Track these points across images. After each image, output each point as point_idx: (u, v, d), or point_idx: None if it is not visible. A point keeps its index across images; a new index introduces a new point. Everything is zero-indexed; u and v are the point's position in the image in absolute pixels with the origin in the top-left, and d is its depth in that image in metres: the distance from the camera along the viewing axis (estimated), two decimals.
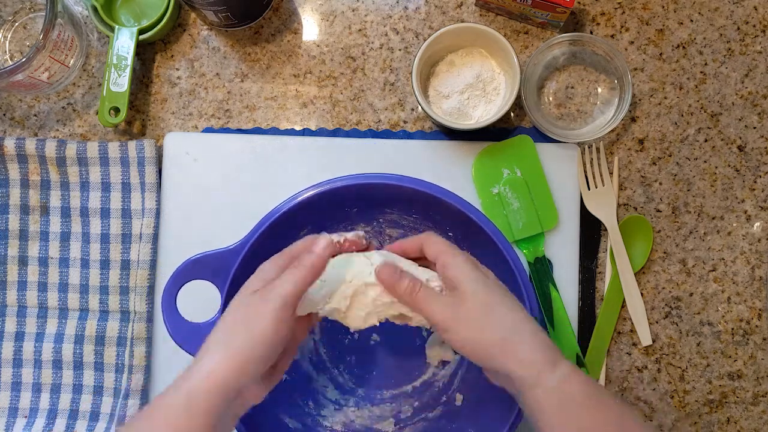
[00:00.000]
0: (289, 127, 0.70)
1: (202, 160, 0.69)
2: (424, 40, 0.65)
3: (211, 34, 0.72)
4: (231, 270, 0.56)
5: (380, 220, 0.64)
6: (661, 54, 0.70)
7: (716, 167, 0.69)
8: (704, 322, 0.68)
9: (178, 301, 0.56)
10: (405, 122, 0.70)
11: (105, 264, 0.69)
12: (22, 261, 0.69)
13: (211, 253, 0.57)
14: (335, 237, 0.53)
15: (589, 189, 0.68)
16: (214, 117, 0.71)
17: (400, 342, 0.66)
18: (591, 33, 0.70)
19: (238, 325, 0.47)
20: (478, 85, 0.67)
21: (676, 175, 0.69)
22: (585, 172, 0.68)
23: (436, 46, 0.65)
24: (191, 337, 0.56)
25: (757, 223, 0.68)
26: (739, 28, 0.69)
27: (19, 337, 0.69)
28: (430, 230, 0.63)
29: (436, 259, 0.51)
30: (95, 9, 0.68)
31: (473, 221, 0.57)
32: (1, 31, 0.72)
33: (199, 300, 0.57)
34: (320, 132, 0.70)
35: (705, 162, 0.69)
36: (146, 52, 0.71)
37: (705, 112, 0.69)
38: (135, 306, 0.67)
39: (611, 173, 0.68)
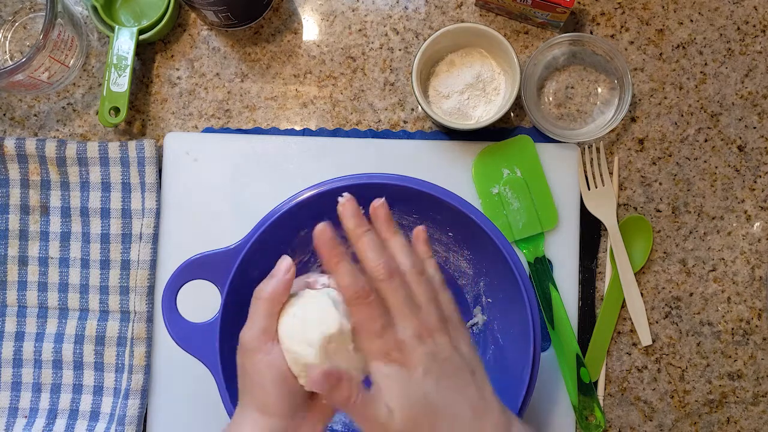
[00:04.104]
0: (289, 127, 0.70)
1: (202, 160, 0.69)
2: (424, 40, 0.65)
3: (211, 34, 0.72)
4: (231, 270, 0.56)
5: None
6: (661, 54, 0.70)
7: (716, 167, 0.69)
8: (704, 322, 0.68)
9: (178, 301, 0.56)
10: (405, 122, 0.70)
11: (105, 264, 0.69)
12: (22, 261, 0.69)
13: (211, 253, 0.56)
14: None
15: (589, 189, 0.68)
16: (214, 117, 0.71)
17: None
18: (591, 33, 0.70)
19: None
20: (478, 85, 0.67)
21: (676, 175, 0.69)
22: (585, 172, 0.68)
23: (436, 46, 0.65)
24: (191, 337, 0.56)
25: (757, 223, 0.68)
26: (739, 28, 0.69)
27: (19, 337, 0.69)
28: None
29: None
30: (95, 9, 0.68)
31: (473, 221, 0.57)
32: (1, 31, 0.72)
33: (199, 300, 0.57)
34: (320, 132, 0.70)
35: (705, 162, 0.69)
36: (146, 52, 0.71)
37: (705, 112, 0.69)
38: (135, 306, 0.67)
39: (611, 173, 0.68)
